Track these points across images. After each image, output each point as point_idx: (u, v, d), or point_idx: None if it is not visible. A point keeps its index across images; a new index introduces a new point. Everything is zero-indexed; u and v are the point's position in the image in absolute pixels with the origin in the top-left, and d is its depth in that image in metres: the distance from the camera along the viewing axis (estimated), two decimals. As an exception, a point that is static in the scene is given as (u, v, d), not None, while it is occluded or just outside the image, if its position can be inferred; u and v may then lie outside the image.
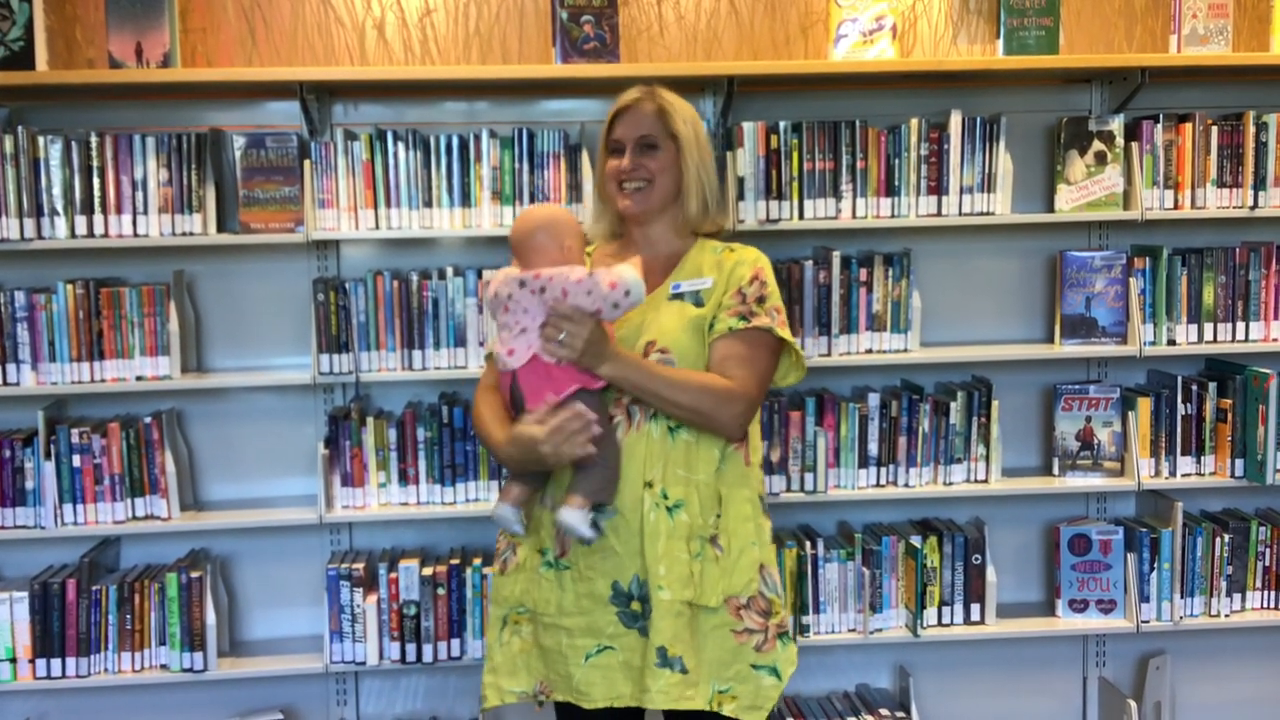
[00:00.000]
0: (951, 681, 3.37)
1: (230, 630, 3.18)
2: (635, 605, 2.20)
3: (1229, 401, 3.15)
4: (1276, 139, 3.13)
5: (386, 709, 3.26)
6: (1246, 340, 3.17)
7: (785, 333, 2.27)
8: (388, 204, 2.97)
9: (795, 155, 3.02)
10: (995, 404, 3.11)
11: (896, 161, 3.05)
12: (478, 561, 3.04)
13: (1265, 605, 3.23)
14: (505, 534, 2.34)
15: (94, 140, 2.89)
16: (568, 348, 2.10)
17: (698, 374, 2.20)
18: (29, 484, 2.95)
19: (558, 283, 2.12)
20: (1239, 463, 3.16)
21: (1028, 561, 3.38)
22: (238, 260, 3.14)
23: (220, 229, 2.97)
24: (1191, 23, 3.15)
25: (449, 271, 3.01)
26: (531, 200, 2.99)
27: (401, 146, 2.96)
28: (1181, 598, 3.18)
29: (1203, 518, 3.29)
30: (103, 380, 2.94)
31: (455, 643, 3.03)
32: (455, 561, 3.03)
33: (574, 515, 2.14)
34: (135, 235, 2.92)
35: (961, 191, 3.08)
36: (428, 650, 3.02)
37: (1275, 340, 3.18)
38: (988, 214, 3.09)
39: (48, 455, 2.92)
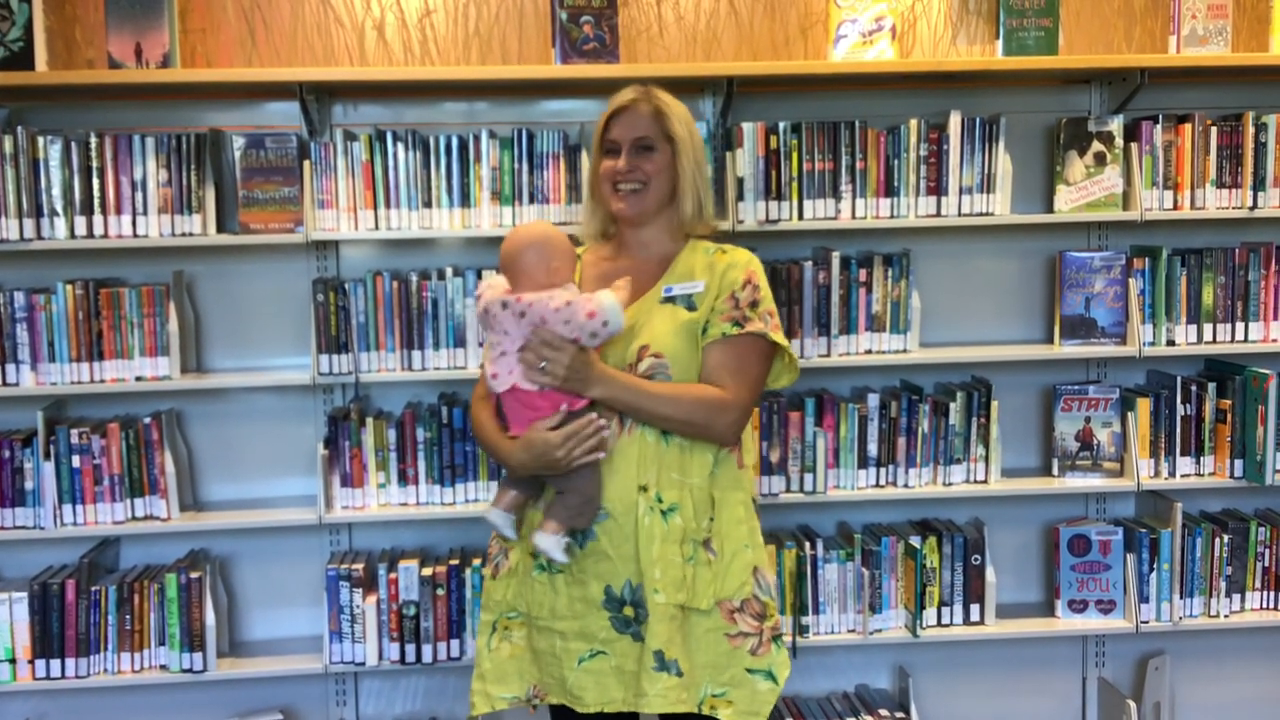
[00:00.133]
0: (951, 682, 3.37)
1: (230, 630, 3.18)
2: (628, 610, 2.19)
3: (1228, 402, 3.15)
4: (1276, 139, 3.13)
5: (386, 709, 3.26)
6: (1246, 341, 3.17)
7: (779, 337, 2.26)
8: (387, 204, 2.97)
9: (795, 156, 3.02)
10: (995, 404, 3.11)
11: (896, 162, 3.05)
12: (477, 562, 3.04)
13: (1264, 605, 3.23)
14: (498, 537, 2.34)
15: (93, 140, 2.89)
16: (550, 375, 2.11)
17: (688, 386, 2.19)
18: (28, 484, 2.95)
19: (537, 309, 2.12)
20: (1238, 463, 3.16)
21: (1027, 562, 3.38)
22: (237, 261, 3.14)
23: (220, 229, 2.97)
24: (1191, 23, 3.15)
25: (448, 272, 3.01)
26: (531, 200, 2.99)
27: (401, 147, 2.96)
28: (1181, 598, 3.18)
29: (1202, 518, 3.30)
30: (102, 380, 2.94)
31: (455, 643, 3.04)
32: (455, 562, 3.03)
33: (548, 540, 2.18)
34: (135, 236, 2.92)
35: (961, 192, 3.08)
36: (427, 651, 3.03)
37: (1275, 341, 3.18)
38: (987, 214, 3.09)
39: (47, 456, 2.92)
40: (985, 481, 3.14)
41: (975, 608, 3.15)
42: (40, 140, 2.87)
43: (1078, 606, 3.20)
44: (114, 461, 2.95)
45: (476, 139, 2.98)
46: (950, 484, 3.13)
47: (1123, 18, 3.32)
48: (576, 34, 2.99)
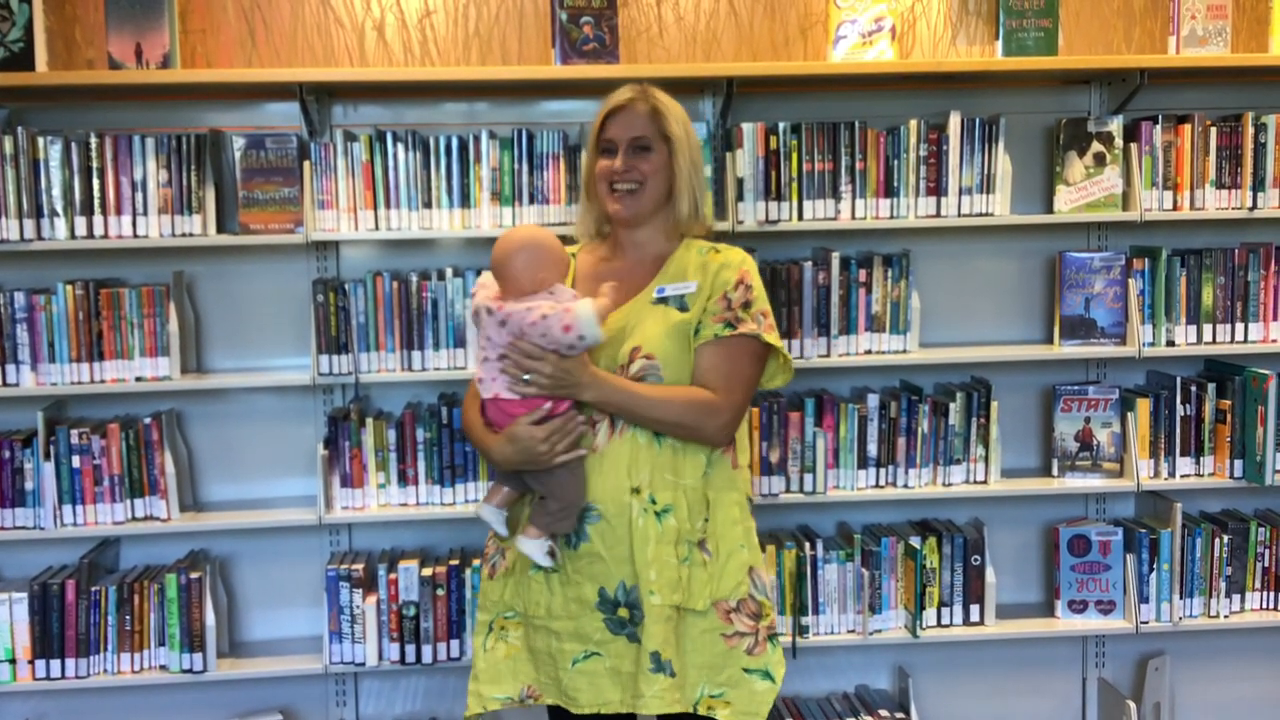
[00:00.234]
0: (951, 682, 3.37)
1: (230, 631, 3.18)
2: (623, 612, 2.19)
3: (1228, 402, 3.15)
4: (1275, 140, 3.13)
5: (386, 709, 3.26)
6: (1245, 341, 3.17)
7: (772, 337, 2.25)
8: (387, 205, 2.98)
9: (794, 156, 3.02)
10: (994, 405, 3.11)
11: (895, 162, 3.06)
12: (477, 562, 3.04)
13: (1264, 606, 3.23)
14: (495, 537, 2.34)
15: (94, 141, 2.89)
16: (534, 385, 2.12)
17: (679, 389, 2.19)
18: (28, 485, 2.95)
19: (515, 320, 2.12)
20: (1238, 463, 3.16)
21: (1027, 562, 3.38)
22: (237, 261, 3.14)
23: (220, 230, 2.97)
24: (1190, 24, 3.15)
25: (448, 272, 3.01)
26: (531, 201, 2.99)
27: (401, 147, 2.97)
28: (1181, 598, 3.18)
29: (1202, 518, 3.30)
30: (102, 381, 2.94)
31: (454, 643, 3.04)
32: (454, 562, 3.03)
33: (530, 545, 2.20)
34: (135, 236, 2.92)
35: (960, 192, 3.08)
36: (427, 651, 3.03)
37: (1274, 341, 3.18)
38: (987, 215, 3.09)
39: (47, 456, 2.92)
40: (985, 482, 3.14)
41: (975, 608, 3.15)
42: (40, 140, 2.87)
43: (1077, 607, 3.20)
44: (114, 462, 2.95)
45: (476, 139, 2.98)
46: (950, 484, 3.13)
47: (1122, 18, 3.32)
48: (576, 34, 2.99)
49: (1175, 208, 3.14)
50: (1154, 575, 3.17)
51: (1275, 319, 3.18)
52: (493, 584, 2.33)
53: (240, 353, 3.16)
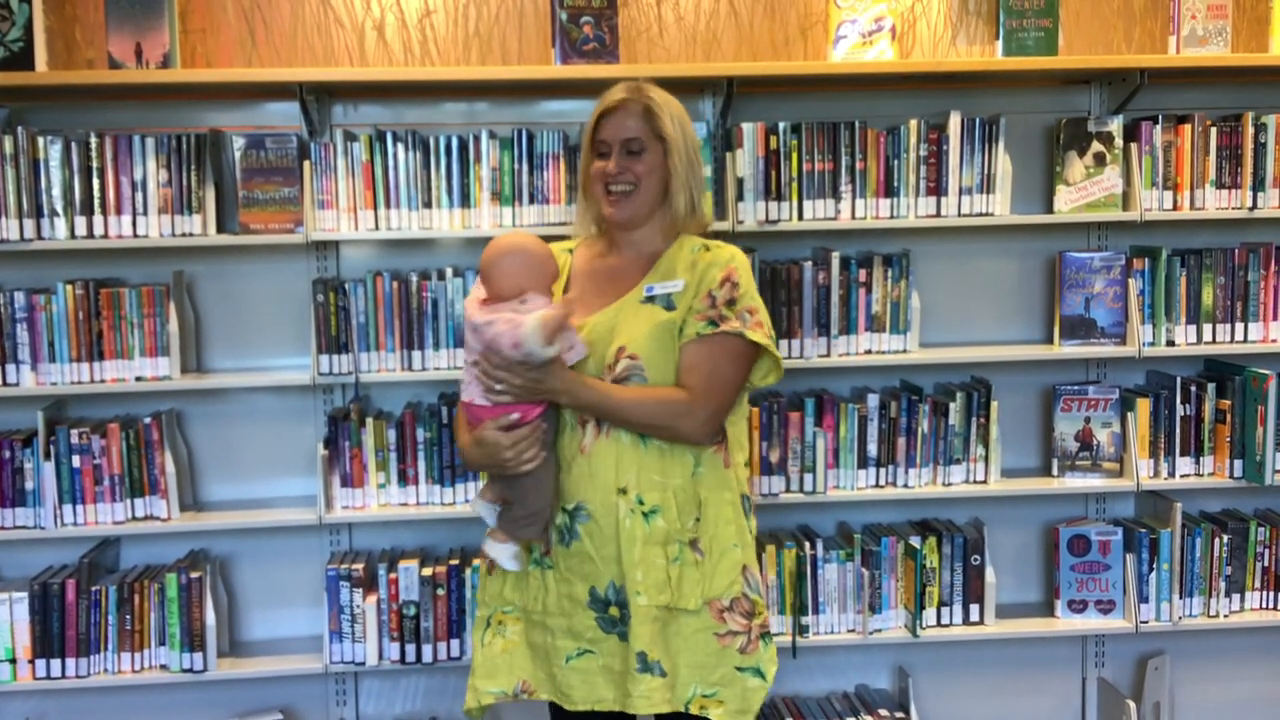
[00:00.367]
0: (951, 682, 3.37)
1: (230, 630, 3.19)
2: (614, 611, 2.19)
3: (1228, 402, 3.15)
4: (1275, 140, 3.13)
5: (386, 709, 3.26)
6: (1245, 341, 3.17)
7: (756, 335, 2.20)
8: (387, 205, 2.98)
9: (794, 156, 3.02)
10: (994, 405, 3.11)
11: (896, 162, 3.06)
12: (477, 562, 3.02)
13: (1264, 606, 3.23)
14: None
15: (94, 141, 2.89)
16: (508, 394, 2.13)
17: (654, 390, 2.17)
18: (29, 484, 2.95)
19: (483, 330, 2.13)
20: (1238, 463, 3.16)
21: (1027, 562, 3.38)
22: (237, 261, 3.14)
23: (220, 230, 2.97)
24: (1190, 24, 3.15)
25: (448, 272, 3.01)
26: (531, 201, 2.99)
27: (401, 147, 2.97)
28: (1180, 598, 3.18)
29: (1201, 518, 3.30)
30: (102, 381, 2.94)
31: (455, 643, 3.04)
32: (455, 562, 3.03)
33: (496, 549, 2.23)
34: (135, 236, 2.92)
35: (960, 192, 3.08)
36: (427, 650, 3.03)
37: (1274, 341, 3.18)
38: (987, 215, 3.09)
39: (47, 456, 2.92)
40: (985, 482, 3.14)
41: (975, 608, 3.15)
42: (40, 140, 2.87)
43: (1077, 606, 3.21)
44: (114, 461, 2.95)
45: (476, 139, 2.98)
46: (950, 484, 3.13)
47: (1122, 18, 3.32)
48: (576, 34, 2.99)
49: (1175, 208, 3.14)
50: (1154, 575, 3.17)
51: (1275, 319, 3.18)
52: (492, 579, 2.33)
53: (240, 353, 3.16)
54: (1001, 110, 3.13)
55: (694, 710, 2.22)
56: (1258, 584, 3.23)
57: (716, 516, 2.23)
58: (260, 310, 3.15)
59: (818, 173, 3.04)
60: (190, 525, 3.01)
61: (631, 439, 2.18)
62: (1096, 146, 3.13)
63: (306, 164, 2.94)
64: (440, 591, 3.02)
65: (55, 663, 2.95)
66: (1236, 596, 3.22)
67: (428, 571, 3.02)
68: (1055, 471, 3.21)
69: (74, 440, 2.92)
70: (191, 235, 2.94)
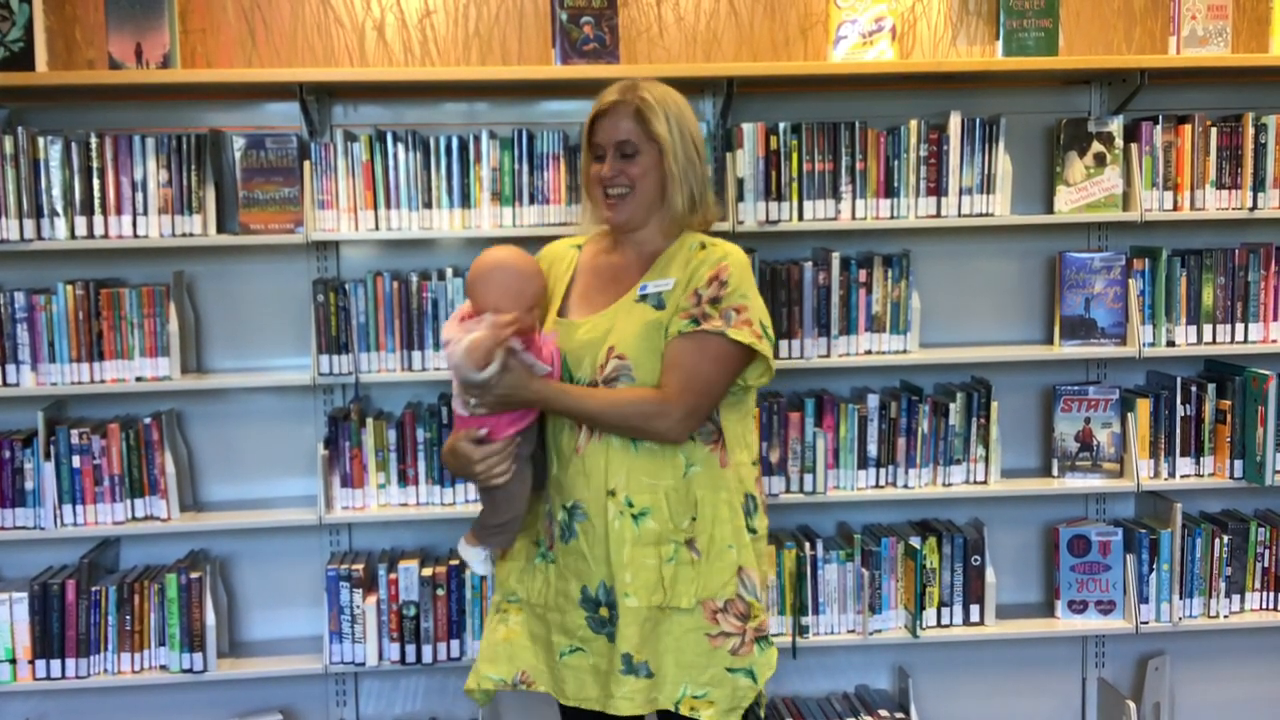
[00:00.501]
0: (951, 682, 3.37)
1: (230, 631, 3.18)
2: (603, 611, 2.20)
3: (1228, 403, 3.15)
4: (1275, 140, 3.13)
5: (386, 710, 3.26)
6: (1245, 341, 3.17)
7: (739, 334, 2.16)
8: (387, 205, 2.98)
9: (795, 156, 3.02)
10: (994, 405, 3.11)
11: (896, 163, 3.06)
12: (477, 562, 3.04)
13: (1264, 606, 3.23)
14: None
15: (94, 141, 2.89)
16: (481, 406, 2.15)
17: (627, 391, 2.16)
18: (29, 485, 2.95)
19: (445, 348, 2.16)
20: (1238, 464, 3.16)
21: (1027, 562, 3.38)
22: (237, 261, 3.14)
23: (220, 230, 2.97)
24: (1191, 24, 3.15)
25: (449, 272, 3.01)
26: (531, 201, 2.99)
27: (401, 147, 2.97)
28: (1180, 599, 3.18)
29: (1202, 519, 3.30)
30: (102, 381, 2.94)
31: (455, 643, 3.04)
32: (454, 562, 3.03)
33: (469, 552, 2.29)
34: (135, 236, 2.92)
35: (961, 193, 3.08)
36: (427, 651, 3.03)
37: (1274, 341, 3.18)
38: (987, 215, 3.09)
39: (47, 456, 2.92)
40: (985, 482, 3.14)
41: (975, 608, 3.15)
42: (40, 140, 2.87)
43: (1077, 607, 3.21)
44: (114, 462, 2.95)
45: (476, 139, 2.98)
46: (950, 484, 3.13)
47: (1123, 18, 3.32)
48: (576, 34, 2.99)
49: (1175, 208, 3.14)
50: (1154, 575, 3.17)
51: (1275, 319, 3.18)
52: (502, 566, 2.36)
53: (240, 353, 3.16)
54: (1002, 110, 3.13)
55: (684, 711, 2.21)
56: (1258, 584, 3.23)
57: (713, 516, 2.22)
58: (260, 310, 3.15)
59: (818, 173, 3.04)
60: (190, 525, 3.01)
61: (621, 441, 2.18)
62: (1097, 147, 3.13)
63: (306, 164, 2.94)
64: (440, 592, 3.02)
65: (55, 663, 2.95)
66: (1236, 597, 3.22)
67: (427, 572, 3.02)
68: (1055, 472, 3.21)
69: (74, 440, 2.92)
70: (191, 235, 2.94)
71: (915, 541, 3.09)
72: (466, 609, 3.03)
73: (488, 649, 2.33)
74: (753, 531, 2.27)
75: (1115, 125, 3.13)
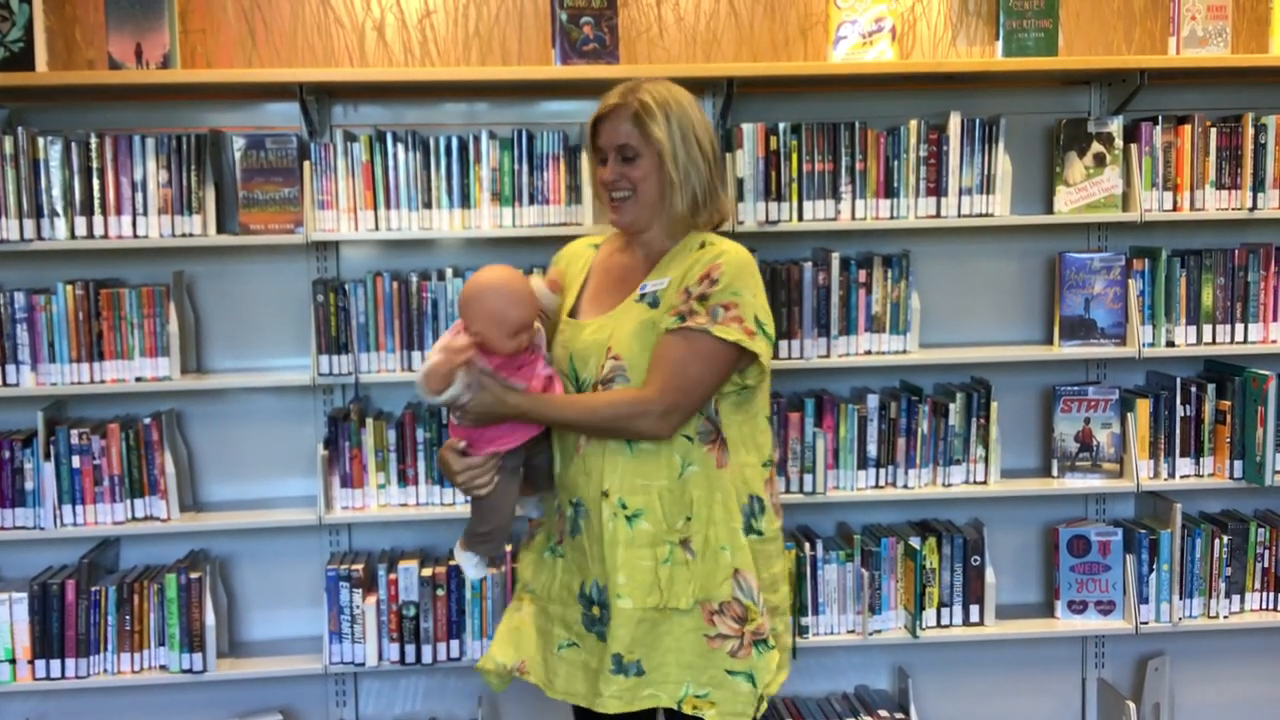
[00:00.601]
0: (950, 683, 3.37)
1: (229, 631, 3.18)
2: (595, 610, 2.21)
3: (1228, 403, 3.15)
4: (1275, 141, 3.13)
5: (385, 710, 3.26)
6: (1245, 342, 3.17)
7: (725, 331, 2.13)
8: (387, 205, 2.98)
9: (794, 157, 3.02)
10: (994, 405, 3.11)
11: (895, 163, 3.06)
12: (477, 562, 3.04)
13: (1264, 606, 3.23)
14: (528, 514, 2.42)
15: (94, 141, 2.89)
16: (467, 420, 2.20)
17: (611, 393, 2.17)
18: (28, 485, 2.95)
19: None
20: (1238, 464, 3.16)
21: (1027, 563, 3.38)
22: (237, 261, 3.14)
23: (220, 230, 2.97)
24: (1190, 24, 3.15)
25: (448, 273, 3.01)
26: (531, 201, 2.99)
27: (401, 148, 2.97)
28: (1180, 599, 3.18)
29: (1201, 519, 3.30)
30: (102, 381, 2.94)
31: (454, 644, 3.04)
32: (454, 563, 3.03)
33: (461, 556, 2.34)
34: (135, 236, 2.92)
35: (960, 193, 3.08)
36: (427, 651, 3.03)
37: (1274, 342, 3.18)
38: (987, 215, 3.09)
39: (47, 456, 2.92)
40: (985, 482, 3.14)
41: (975, 608, 3.15)
42: (40, 141, 2.87)
43: (1077, 607, 3.21)
44: (114, 462, 2.95)
45: (476, 140, 2.98)
46: (950, 485, 3.13)
47: (1122, 19, 3.32)
48: (576, 35, 2.99)
49: (1175, 208, 3.14)
50: (1154, 576, 3.17)
51: (1275, 319, 3.18)
52: (524, 557, 2.40)
53: (240, 353, 3.16)
54: (1001, 111, 3.13)
55: (687, 710, 2.22)
56: (1258, 585, 3.23)
57: (707, 517, 2.21)
58: (260, 310, 3.15)
59: (818, 173, 3.04)
60: (190, 525, 3.01)
61: (617, 443, 2.18)
62: (1096, 147, 3.13)
63: (306, 164, 2.94)
64: (440, 592, 3.02)
65: (55, 663, 2.95)
66: (1236, 597, 3.22)
67: (427, 572, 3.02)
68: (1055, 472, 3.21)
69: (74, 440, 2.92)
70: (191, 235, 2.94)
71: (915, 542, 3.09)
72: (466, 609, 3.03)
73: (502, 633, 2.37)
74: (758, 534, 2.25)
75: (1115, 125, 3.13)
